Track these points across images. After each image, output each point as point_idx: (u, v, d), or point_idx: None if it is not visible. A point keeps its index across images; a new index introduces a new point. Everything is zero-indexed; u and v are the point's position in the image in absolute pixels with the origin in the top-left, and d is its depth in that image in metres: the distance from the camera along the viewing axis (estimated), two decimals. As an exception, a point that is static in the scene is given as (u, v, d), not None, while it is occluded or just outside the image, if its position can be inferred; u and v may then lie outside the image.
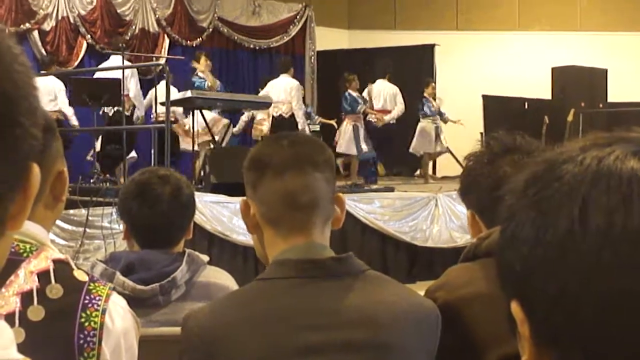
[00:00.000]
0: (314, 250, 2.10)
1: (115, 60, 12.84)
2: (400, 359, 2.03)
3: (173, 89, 11.46)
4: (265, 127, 14.14)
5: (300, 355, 1.98)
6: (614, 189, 0.84)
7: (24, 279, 1.77)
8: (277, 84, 13.89)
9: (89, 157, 12.76)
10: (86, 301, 1.80)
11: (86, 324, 1.78)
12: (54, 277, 1.79)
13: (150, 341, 2.41)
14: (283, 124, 13.37)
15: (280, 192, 2.11)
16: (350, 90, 14.48)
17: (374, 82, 15.27)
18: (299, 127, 13.67)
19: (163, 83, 11.39)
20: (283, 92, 13.70)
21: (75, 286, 1.82)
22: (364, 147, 14.34)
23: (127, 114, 12.43)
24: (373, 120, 14.74)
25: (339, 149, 14.22)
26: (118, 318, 1.86)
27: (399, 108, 14.89)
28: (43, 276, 1.79)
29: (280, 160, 2.12)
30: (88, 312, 1.79)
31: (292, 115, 13.78)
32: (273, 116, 13.82)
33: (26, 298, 1.75)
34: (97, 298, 1.82)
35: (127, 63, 12.50)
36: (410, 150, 15.40)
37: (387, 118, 14.78)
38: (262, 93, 14.06)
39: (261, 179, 2.13)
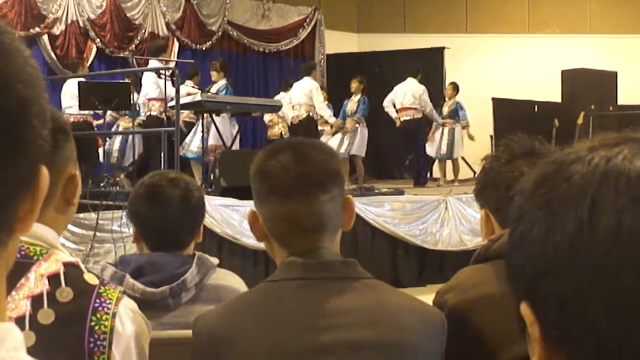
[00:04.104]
0: (321, 253, 2.10)
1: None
2: (408, 358, 2.03)
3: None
4: (280, 129, 14.39)
5: (308, 355, 1.98)
6: (623, 188, 0.84)
7: (34, 282, 1.76)
8: (297, 87, 14.04)
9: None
10: (96, 304, 1.80)
11: (96, 327, 1.77)
12: (64, 280, 1.79)
13: (161, 344, 2.41)
14: (299, 127, 13.47)
15: (285, 216, 2.10)
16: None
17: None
18: (318, 127, 13.90)
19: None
20: (302, 95, 13.81)
21: (85, 289, 1.81)
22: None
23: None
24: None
25: (352, 151, 14.39)
26: (128, 321, 1.85)
27: (430, 107, 14.88)
28: (53, 279, 1.78)
29: (285, 185, 2.09)
30: (98, 316, 1.79)
31: (308, 118, 13.86)
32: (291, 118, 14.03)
33: (36, 301, 1.75)
34: (108, 301, 1.82)
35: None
36: (428, 152, 15.44)
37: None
38: (288, 95, 14.35)
39: (267, 198, 2.13)
